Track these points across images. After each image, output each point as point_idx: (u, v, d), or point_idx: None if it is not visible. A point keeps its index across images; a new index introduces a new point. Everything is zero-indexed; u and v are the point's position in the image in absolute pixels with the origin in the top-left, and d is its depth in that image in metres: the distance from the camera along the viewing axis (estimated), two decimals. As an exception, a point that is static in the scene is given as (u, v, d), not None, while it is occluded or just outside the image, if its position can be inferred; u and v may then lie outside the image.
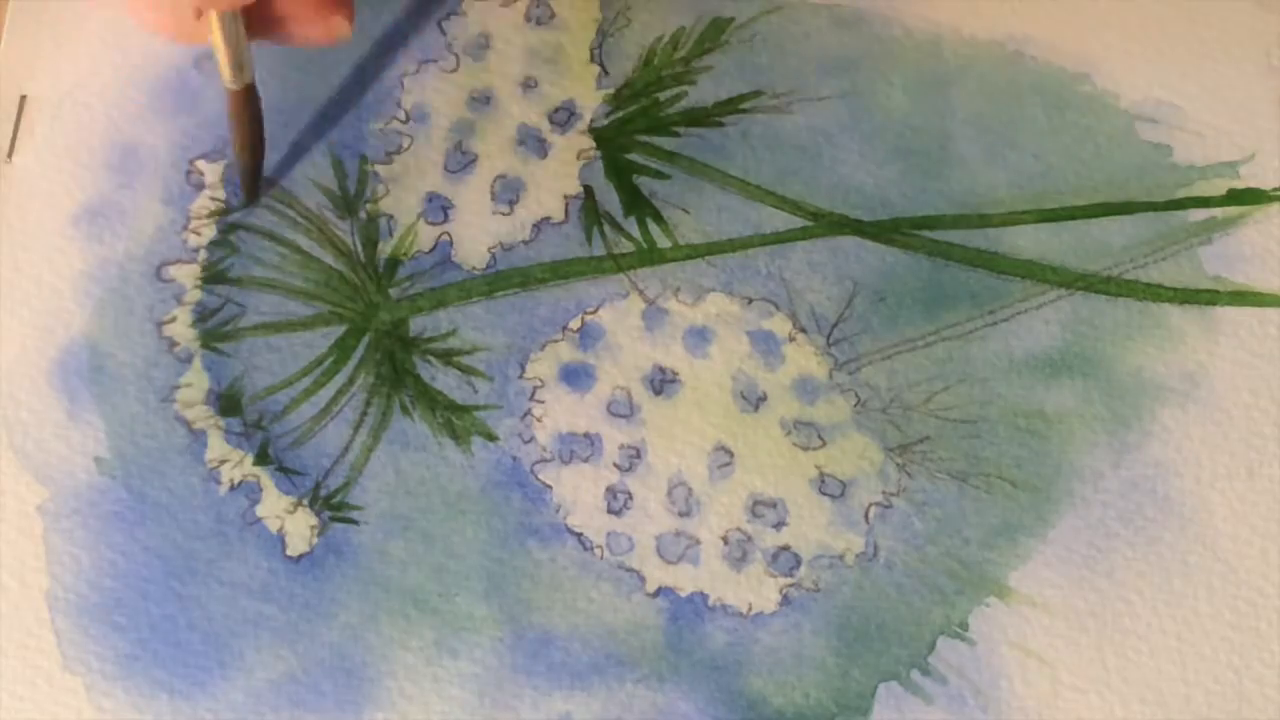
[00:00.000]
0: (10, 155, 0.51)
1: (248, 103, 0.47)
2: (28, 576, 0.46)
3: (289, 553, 0.46)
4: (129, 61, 0.51)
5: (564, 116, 0.50)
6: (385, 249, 0.49)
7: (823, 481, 0.45)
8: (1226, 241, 0.47)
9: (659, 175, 0.49)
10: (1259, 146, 0.48)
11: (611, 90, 0.50)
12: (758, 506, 0.45)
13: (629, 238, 0.48)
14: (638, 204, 0.49)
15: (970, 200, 0.48)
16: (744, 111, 0.50)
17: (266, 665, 0.45)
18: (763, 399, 0.46)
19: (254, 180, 0.50)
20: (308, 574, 0.46)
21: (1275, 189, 0.47)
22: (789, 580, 0.45)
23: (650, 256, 0.48)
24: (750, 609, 0.45)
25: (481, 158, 0.50)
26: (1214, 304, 0.46)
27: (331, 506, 0.46)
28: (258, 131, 0.48)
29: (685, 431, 0.46)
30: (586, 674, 0.44)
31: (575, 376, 0.47)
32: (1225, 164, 0.48)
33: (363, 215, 0.49)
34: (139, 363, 0.48)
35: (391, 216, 0.49)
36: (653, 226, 0.49)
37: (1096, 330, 0.46)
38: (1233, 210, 0.47)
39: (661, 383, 0.47)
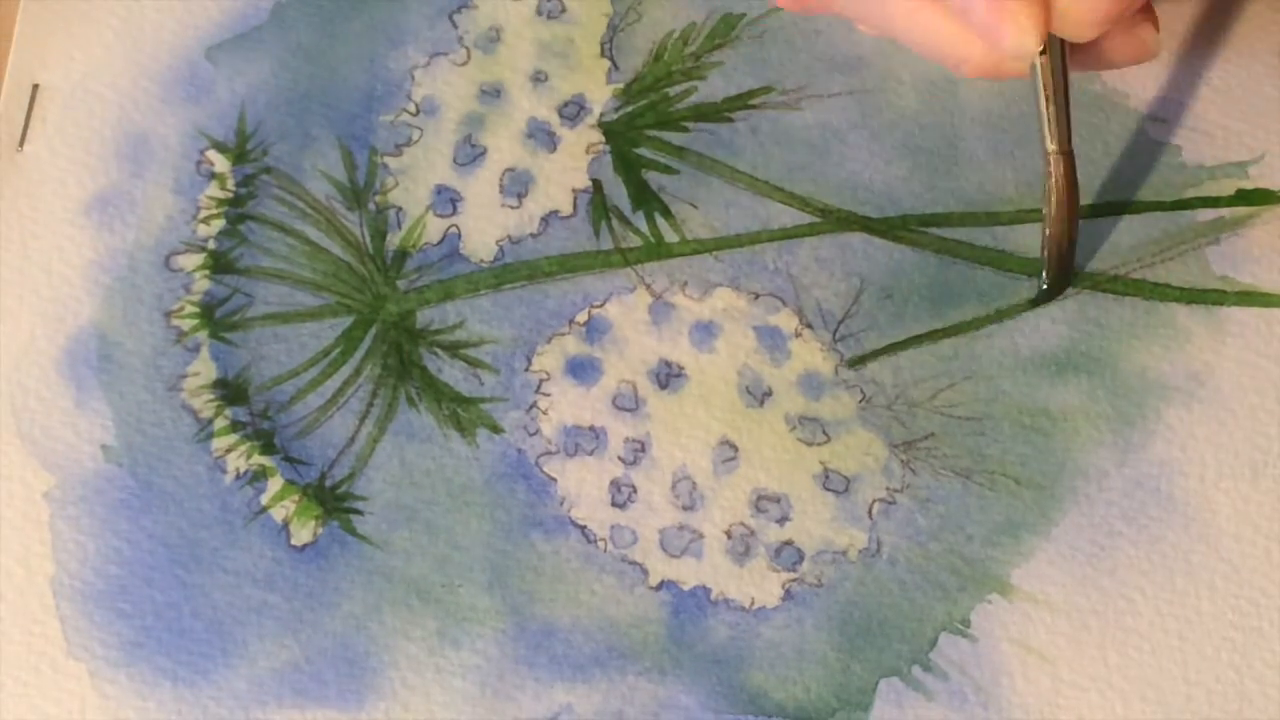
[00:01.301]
0: (22, 144, 0.51)
1: (1071, 168, 0.44)
2: (33, 563, 0.46)
3: (293, 542, 0.46)
4: (141, 51, 0.52)
5: (574, 110, 0.50)
6: (393, 241, 0.49)
7: (827, 477, 0.45)
8: (1234, 242, 0.47)
9: (668, 170, 0.49)
10: (1268, 147, 0.47)
11: (621, 85, 0.50)
12: (761, 501, 0.45)
13: (637, 232, 0.49)
14: (646, 198, 0.49)
15: (978, 198, 0.48)
16: (753, 107, 0.50)
17: (270, 654, 0.45)
18: (768, 394, 0.46)
19: (1067, 261, 0.46)
20: (312, 563, 0.46)
21: (1284, 190, 0.47)
22: (792, 575, 0.45)
23: (658, 251, 0.48)
24: (753, 603, 0.45)
25: (491, 151, 0.50)
26: (1221, 304, 0.46)
27: (336, 496, 0.46)
28: (1076, 202, 0.45)
29: (690, 426, 0.46)
30: (588, 666, 0.44)
31: (581, 370, 0.47)
32: (1234, 164, 0.47)
33: (372, 207, 0.49)
34: (147, 351, 0.48)
35: (400, 208, 0.49)
36: (661, 221, 0.49)
37: (1103, 329, 0.46)
38: (1241, 211, 0.47)
39: (667, 377, 0.47)
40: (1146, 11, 0.42)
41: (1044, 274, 0.46)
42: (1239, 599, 0.43)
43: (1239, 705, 0.42)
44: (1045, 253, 0.45)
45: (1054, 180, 0.44)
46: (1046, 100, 0.42)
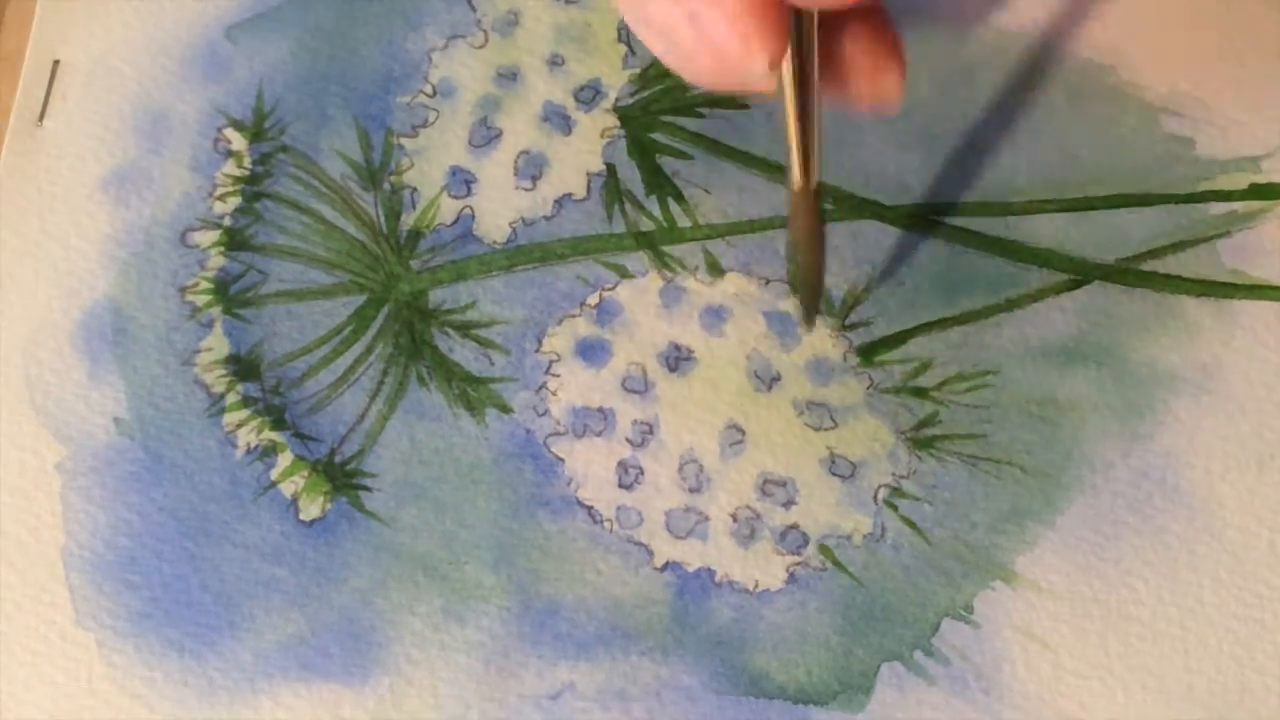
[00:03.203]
0: (41, 119, 0.51)
1: (817, 204, 0.40)
2: (44, 533, 0.46)
3: (302, 517, 0.46)
4: (161, 29, 0.52)
5: (589, 95, 0.50)
6: (408, 221, 0.49)
7: (833, 462, 0.46)
8: (1246, 236, 0.47)
9: (681, 155, 0.49)
10: (1282, 142, 0.48)
11: (637, 70, 0.50)
12: (768, 485, 0.45)
13: (650, 216, 0.49)
14: (659, 183, 0.49)
15: (991, 188, 0.48)
16: (768, 94, 0.50)
17: (276, 627, 0.45)
18: (776, 379, 0.46)
19: (815, 302, 0.46)
20: (320, 539, 0.46)
21: (1297, 185, 0.47)
22: (796, 559, 0.45)
23: (670, 235, 0.48)
24: (757, 586, 0.45)
25: (506, 133, 0.50)
26: (1231, 297, 0.46)
27: (346, 473, 0.47)
28: (822, 244, 0.43)
29: (698, 409, 0.46)
30: (592, 645, 0.44)
31: (591, 351, 0.47)
32: (1247, 158, 0.47)
33: (387, 187, 0.50)
34: (161, 326, 0.49)
35: (415, 189, 0.50)
36: (674, 205, 0.49)
37: (1112, 320, 0.46)
38: (1253, 205, 0.47)
39: (677, 360, 0.47)
40: (893, 55, 0.36)
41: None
42: (1242, 590, 0.43)
43: (1240, 695, 0.42)
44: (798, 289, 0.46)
45: (796, 215, 0.41)
46: (791, 124, 0.37)
